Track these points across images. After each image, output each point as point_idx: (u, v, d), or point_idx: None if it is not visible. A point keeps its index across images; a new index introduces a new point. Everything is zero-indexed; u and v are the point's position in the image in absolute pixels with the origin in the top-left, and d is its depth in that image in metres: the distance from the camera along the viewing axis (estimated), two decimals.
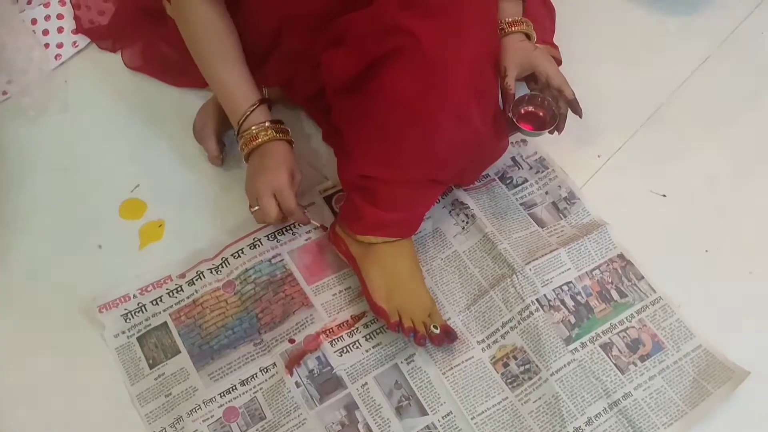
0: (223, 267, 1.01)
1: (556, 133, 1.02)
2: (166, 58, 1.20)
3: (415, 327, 0.92)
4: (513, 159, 1.12)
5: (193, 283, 1.00)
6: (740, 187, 1.09)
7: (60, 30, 1.22)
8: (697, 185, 1.09)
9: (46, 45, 1.21)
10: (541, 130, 1.01)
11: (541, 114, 1.02)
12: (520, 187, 1.10)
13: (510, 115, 1.00)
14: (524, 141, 1.14)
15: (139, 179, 1.10)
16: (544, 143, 1.13)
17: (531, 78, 1.03)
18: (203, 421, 0.91)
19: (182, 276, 1.00)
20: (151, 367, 0.94)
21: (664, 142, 1.13)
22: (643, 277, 1.01)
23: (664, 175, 1.10)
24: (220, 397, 0.92)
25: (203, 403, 0.92)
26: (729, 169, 1.11)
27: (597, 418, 0.90)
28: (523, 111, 1.03)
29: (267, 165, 0.97)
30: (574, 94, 0.99)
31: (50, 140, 1.15)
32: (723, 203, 1.07)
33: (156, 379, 0.94)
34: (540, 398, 0.92)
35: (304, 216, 0.99)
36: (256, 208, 0.97)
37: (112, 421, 0.91)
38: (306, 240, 1.04)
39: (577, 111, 1.01)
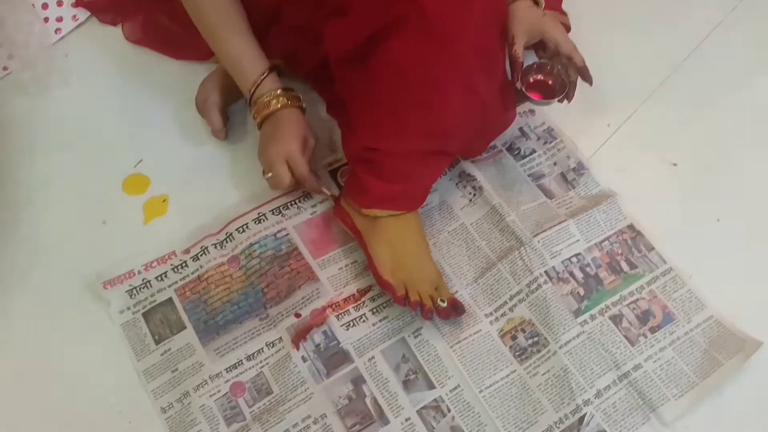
0: (227, 242, 1.00)
1: (565, 101, 0.99)
2: (167, 30, 1.18)
3: (422, 300, 0.91)
4: (521, 129, 1.10)
5: (198, 259, 0.99)
6: (753, 154, 1.06)
7: (59, 3, 1.20)
8: (708, 153, 1.07)
9: (46, 19, 1.18)
10: (550, 98, 0.99)
11: (550, 82, 1.00)
12: (527, 158, 1.08)
13: (518, 84, 0.98)
14: (532, 111, 1.12)
15: (142, 154, 1.09)
16: (553, 113, 1.10)
17: (539, 45, 1.00)
18: (210, 396, 0.90)
19: (187, 251, 1.00)
20: (156, 342, 0.94)
21: (675, 110, 1.11)
22: (653, 248, 0.99)
23: (675, 144, 1.08)
24: (227, 372, 0.92)
25: (209, 378, 0.91)
26: (742, 137, 1.08)
27: (606, 391, 0.90)
28: (531, 80, 1.00)
29: (279, 132, 0.97)
30: (584, 61, 0.97)
31: (52, 115, 1.13)
32: (735, 171, 1.05)
33: (162, 354, 0.93)
34: (549, 371, 0.91)
35: (316, 183, 0.99)
36: (269, 174, 0.97)
37: (119, 397, 0.91)
38: (311, 214, 1.03)
39: (588, 78, 0.98)
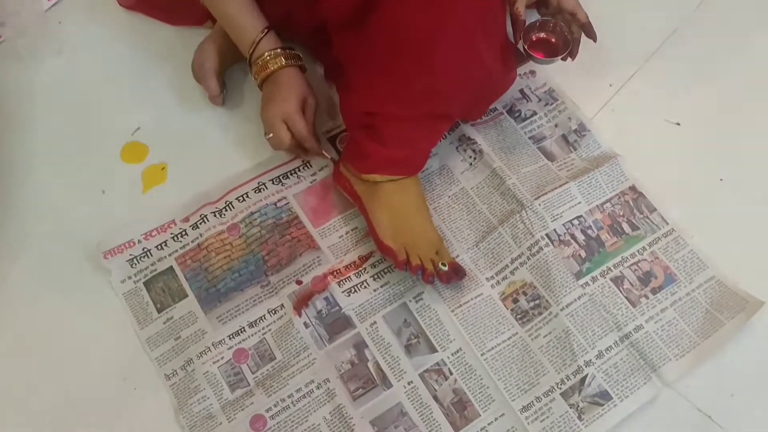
0: (227, 210, 1.00)
1: (569, 59, 0.97)
2: None
3: (423, 265, 0.91)
4: (521, 91, 1.09)
5: (197, 227, 0.99)
6: (756, 112, 1.05)
7: None
8: (712, 112, 1.05)
9: None
10: (553, 56, 0.97)
11: (553, 40, 0.98)
12: (528, 121, 1.07)
13: (521, 43, 0.96)
14: (533, 72, 1.10)
15: (139, 122, 1.08)
16: (554, 74, 1.09)
17: (541, 3, 0.98)
18: (213, 363, 0.91)
19: (186, 220, 0.99)
20: (159, 311, 0.94)
21: (678, 69, 1.09)
22: (655, 209, 0.99)
23: (678, 103, 1.06)
24: (229, 339, 0.92)
25: (212, 345, 0.92)
26: (745, 95, 1.07)
27: (608, 351, 0.90)
28: (534, 38, 0.98)
29: (277, 93, 0.97)
30: (587, 17, 0.95)
31: (47, 83, 1.12)
32: (738, 130, 1.04)
33: (164, 323, 0.94)
34: (550, 333, 0.91)
35: (316, 145, 0.98)
36: (270, 135, 0.96)
37: (124, 364, 0.92)
38: (311, 182, 1.02)
39: (592, 35, 0.96)
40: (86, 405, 0.90)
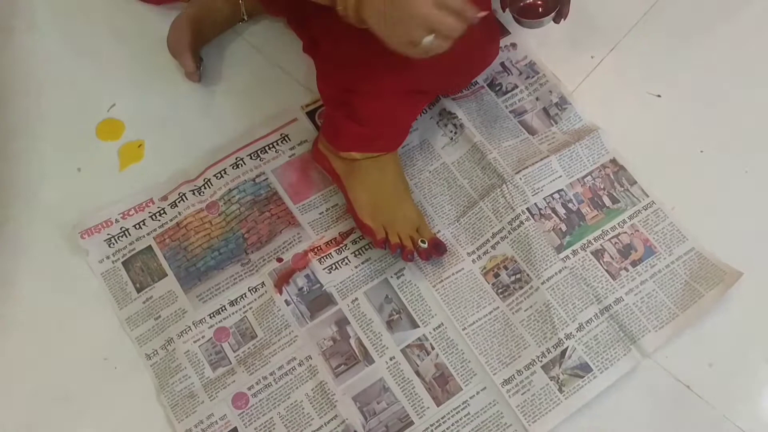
0: (205, 188, 0.99)
1: (561, 20, 0.95)
2: None
3: (402, 242, 0.91)
4: (502, 64, 1.08)
5: (176, 206, 0.98)
6: (738, 84, 1.04)
7: None
8: (693, 84, 1.05)
9: None
10: (544, 17, 0.95)
11: (540, 3, 0.97)
12: (509, 94, 1.06)
13: (509, 10, 0.94)
14: (514, 45, 1.09)
15: (114, 98, 1.06)
16: (535, 46, 1.08)
17: None
18: (194, 342, 0.91)
19: (164, 198, 0.98)
20: (138, 290, 0.94)
21: (660, 40, 1.08)
22: (635, 182, 0.99)
23: (659, 75, 1.05)
24: (210, 318, 0.92)
25: (193, 324, 0.92)
26: (727, 67, 1.06)
27: (588, 324, 0.90)
28: (522, 4, 0.97)
29: None
30: None
31: (18, 60, 1.09)
32: (720, 102, 1.03)
33: (144, 302, 0.93)
34: (531, 307, 0.92)
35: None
36: (430, 37, 0.74)
37: (104, 344, 0.91)
38: (290, 157, 1.01)
39: None
40: (67, 385, 0.89)
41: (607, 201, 0.98)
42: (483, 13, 0.76)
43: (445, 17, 0.73)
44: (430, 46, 0.74)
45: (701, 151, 1.00)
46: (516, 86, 1.06)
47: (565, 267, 0.93)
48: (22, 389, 0.89)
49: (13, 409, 0.88)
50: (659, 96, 1.04)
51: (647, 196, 0.98)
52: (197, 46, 1.06)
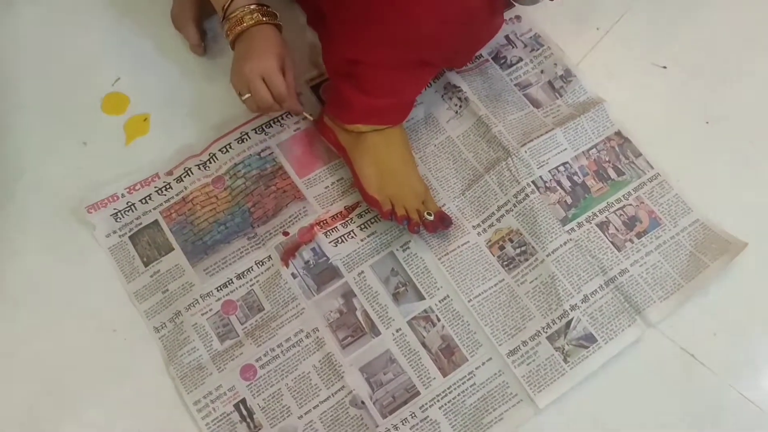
0: (211, 163, 0.99)
1: None
2: None
3: (409, 215, 0.91)
4: (507, 37, 1.07)
5: (182, 180, 0.98)
6: (744, 55, 1.04)
7: None
8: (699, 55, 1.05)
9: None
10: None
11: None
12: (514, 67, 1.06)
13: None
14: (518, 18, 1.08)
15: (119, 72, 1.06)
16: (540, 19, 1.07)
17: None
18: (202, 314, 0.91)
19: (170, 173, 0.98)
20: (145, 265, 0.94)
21: (666, 11, 1.07)
22: (640, 154, 0.99)
23: (665, 46, 1.05)
24: (217, 291, 0.93)
25: (200, 297, 0.92)
26: (733, 37, 1.06)
27: (593, 295, 0.91)
28: None
29: (254, 49, 0.90)
30: None
31: (22, 34, 1.09)
32: (726, 73, 1.03)
33: (151, 276, 0.94)
34: (536, 278, 0.92)
35: (297, 104, 0.95)
36: (247, 95, 0.90)
37: (113, 316, 0.92)
38: (295, 131, 1.01)
39: None
40: (76, 356, 0.90)
41: (612, 173, 0.98)
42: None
43: (261, 89, 0.89)
44: (245, 101, 0.91)
45: (707, 123, 1.00)
46: (521, 59, 1.06)
47: (570, 239, 0.94)
48: (30, 359, 0.90)
49: (22, 381, 0.89)
50: (665, 67, 1.04)
51: (652, 168, 0.98)
52: (200, 18, 1.05)
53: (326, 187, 0.98)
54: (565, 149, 0.99)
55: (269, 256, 0.94)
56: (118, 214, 0.96)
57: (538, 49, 1.06)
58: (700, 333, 0.89)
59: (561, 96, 1.04)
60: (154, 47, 1.08)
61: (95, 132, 1.02)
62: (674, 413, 0.86)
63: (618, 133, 1.00)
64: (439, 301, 0.92)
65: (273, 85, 0.90)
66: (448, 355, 0.90)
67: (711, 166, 0.97)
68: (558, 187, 0.97)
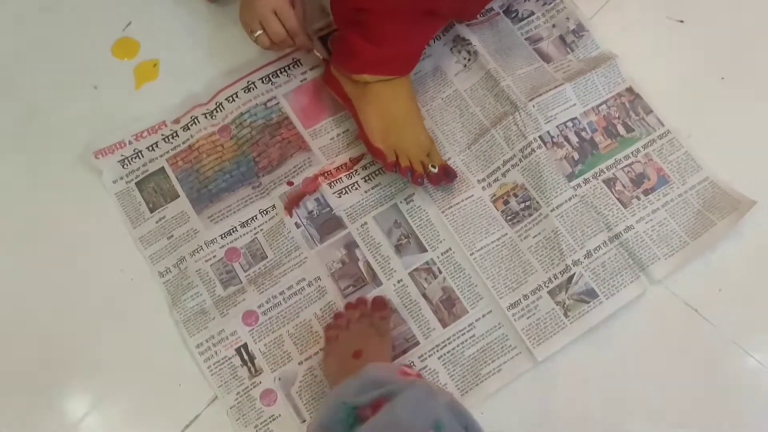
0: (217, 112, 0.99)
1: None
2: None
3: (413, 166, 0.91)
4: None
5: (188, 129, 0.99)
6: (764, 9, 1.01)
7: None
8: (717, 7, 1.01)
9: None
10: None
11: None
12: (525, 21, 1.04)
13: None
14: None
15: (130, 17, 1.06)
16: None
17: None
18: (206, 261, 0.93)
19: (176, 121, 0.99)
20: (151, 211, 0.95)
21: None
22: (651, 111, 0.97)
23: None
24: (221, 238, 0.93)
25: (205, 244, 0.93)
26: None
27: (596, 251, 0.90)
28: None
29: None
30: None
31: None
32: (745, 26, 1.00)
33: (157, 222, 0.95)
34: (540, 233, 0.92)
35: (308, 40, 0.95)
36: (259, 32, 0.91)
37: (120, 257, 0.94)
38: (302, 81, 1.01)
39: None
40: (84, 293, 0.92)
41: (621, 130, 0.97)
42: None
43: (274, 23, 0.90)
44: (258, 38, 0.92)
45: (722, 78, 0.98)
46: (532, 13, 1.04)
47: (576, 195, 0.93)
48: (39, 295, 0.92)
49: (32, 320, 0.91)
50: (682, 21, 1.01)
51: (663, 125, 0.96)
52: None
53: (331, 139, 0.98)
54: (574, 104, 0.97)
55: (273, 205, 0.95)
56: (125, 160, 0.97)
57: (550, 3, 1.04)
58: (705, 289, 0.88)
59: (572, 51, 1.02)
60: None
61: (106, 76, 1.03)
62: (675, 367, 0.86)
63: (629, 89, 0.98)
64: (441, 254, 0.92)
65: (285, 18, 0.91)
66: (448, 307, 0.90)
67: (724, 124, 0.95)
68: (565, 143, 0.96)
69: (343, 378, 0.80)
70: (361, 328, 0.86)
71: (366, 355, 0.82)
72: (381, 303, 0.89)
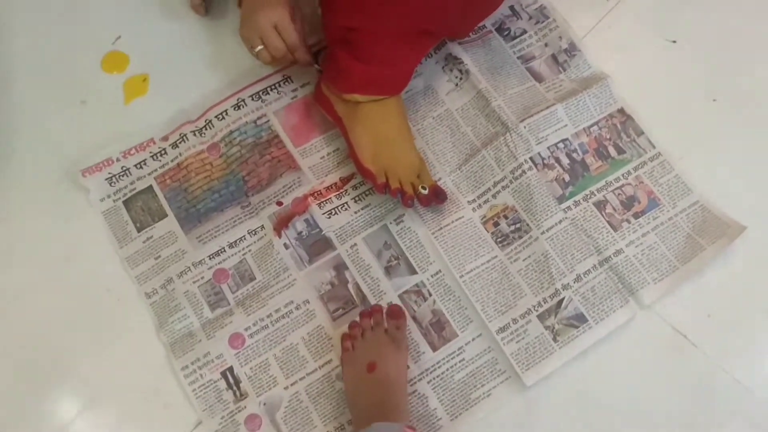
0: (206, 129, 0.98)
1: None
2: None
3: (403, 188, 0.90)
4: (511, 8, 1.05)
5: (177, 146, 0.98)
6: (757, 31, 1.01)
7: None
8: (710, 29, 1.01)
9: None
10: None
11: None
12: (518, 39, 1.03)
13: None
14: None
15: (120, 30, 1.05)
16: None
17: None
18: (193, 282, 0.92)
19: (165, 139, 0.98)
20: (138, 230, 0.94)
21: None
22: (642, 133, 0.97)
23: (675, 19, 1.02)
24: (209, 259, 0.93)
25: (192, 265, 0.92)
26: (746, 11, 1.02)
27: (586, 275, 0.90)
28: None
29: (264, 1, 0.90)
30: None
31: None
32: (737, 49, 1.00)
33: (144, 242, 0.94)
34: (530, 257, 0.91)
35: (308, 55, 0.94)
36: (259, 47, 0.91)
37: (106, 277, 0.93)
38: (292, 98, 1.00)
39: None
40: (70, 313, 0.91)
41: (612, 151, 0.96)
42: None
43: (274, 38, 0.90)
44: (258, 53, 0.91)
45: (714, 100, 0.98)
46: (525, 31, 1.04)
47: (566, 218, 0.93)
48: (24, 316, 0.91)
49: (15, 335, 0.90)
50: (674, 42, 1.01)
51: (654, 147, 0.96)
52: None
53: (322, 158, 0.97)
54: (566, 125, 0.97)
55: (262, 225, 0.94)
56: (113, 178, 0.96)
57: (543, 22, 1.04)
58: (694, 314, 0.88)
59: (564, 70, 1.01)
60: (157, 6, 1.06)
61: (94, 90, 1.02)
62: (663, 393, 0.86)
63: (621, 111, 0.98)
64: (431, 276, 0.91)
65: (286, 33, 0.90)
66: (438, 330, 0.89)
67: (715, 147, 0.95)
68: (556, 165, 0.95)
69: (359, 393, 0.80)
70: (376, 337, 0.86)
71: (380, 368, 0.82)
72: (397, 311, 0.88)
